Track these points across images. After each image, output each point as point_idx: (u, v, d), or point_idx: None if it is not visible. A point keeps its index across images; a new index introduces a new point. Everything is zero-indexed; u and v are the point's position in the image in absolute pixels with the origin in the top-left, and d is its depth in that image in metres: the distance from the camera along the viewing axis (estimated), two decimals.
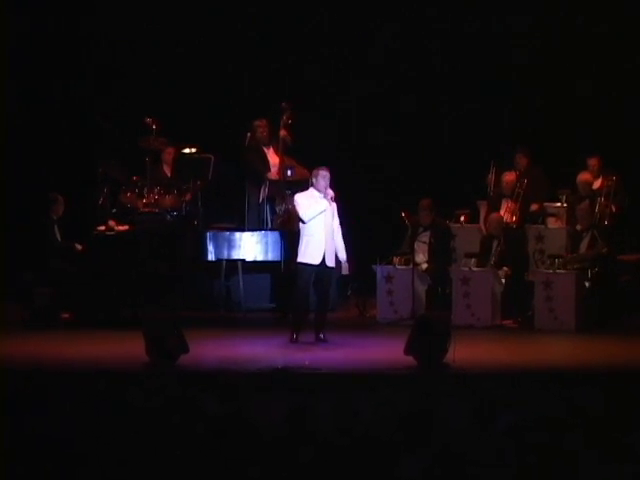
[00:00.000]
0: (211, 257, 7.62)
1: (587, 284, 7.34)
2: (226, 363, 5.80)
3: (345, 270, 6.61)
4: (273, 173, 7.93)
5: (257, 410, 4.16)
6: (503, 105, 8.63)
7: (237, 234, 7.70)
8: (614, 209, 7.62)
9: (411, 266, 7.47)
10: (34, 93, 8.64)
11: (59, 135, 8.65)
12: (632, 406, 4.26)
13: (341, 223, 6.64)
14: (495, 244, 7.59)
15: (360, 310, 8.00)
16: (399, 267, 7.57)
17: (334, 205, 6.59)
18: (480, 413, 3.96)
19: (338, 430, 3.77)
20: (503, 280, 7.47)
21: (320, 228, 6.54)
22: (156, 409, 4.15)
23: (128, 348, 6.09)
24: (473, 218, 8.03)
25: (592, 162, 7.86)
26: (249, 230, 7.78)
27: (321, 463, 3.59)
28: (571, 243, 7.52)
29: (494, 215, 7.72)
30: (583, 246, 7.46)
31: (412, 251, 7.57)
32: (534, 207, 7.94)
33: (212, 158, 7.81)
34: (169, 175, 7.99)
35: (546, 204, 7.95)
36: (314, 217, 6.54)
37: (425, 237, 7.68)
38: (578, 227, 7.52)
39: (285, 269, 7.56)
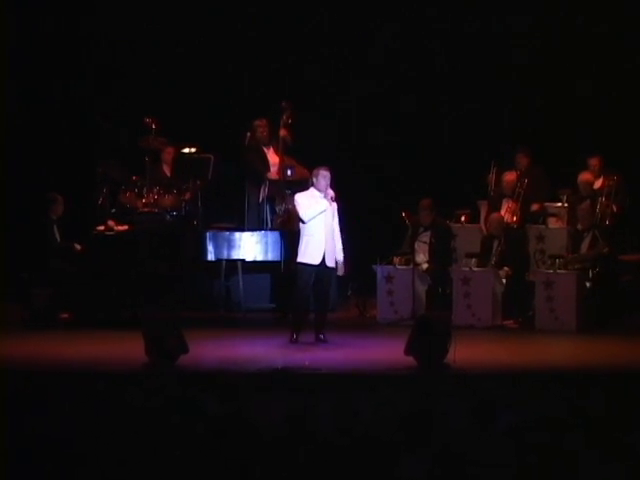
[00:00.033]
0: (211, 257, 7.61)
1: (588, 284, 7.33)
2: (226, 363, 5.79)
3: (340, 271, 6.60)
4: (273, 173, 7.92)
5: (257, 410, 4.15)
6: (503, 105, 8.62)
7: (237, 234, 7.69)
8: (615, 209, 7.61)
9: (411, 266, 7.46)
10: (34, 93, 8.63)
11: (59, 135, 8.64)
12: (633, 406, 4.25)
13: (341, 222, 6.63)
14: (496, 244, 7.57)
15: (360, 310, 8.00)
16: (399, 267, 7.56)
17: (334, 205, 6.58)
18: (480, 413, 3.95)
19: (338, 430, 3.76)
20: (504, 280, 7.46)
21: (320, 228, 6.53)
22: (155, 409, 4.15)
23: (127, 348, 6.08)
24: (474, 218, 8.02)
25: (593, 162, 7.85)
26: (249, 230, 7.77)
27: (321, 463, 3.58)
28: (572, 243, 7.51)
29: (495, 215, 7.71)
30: (584, 246, 7.45)
31: (412, 251, 7.56)
32: (535, 207, 7.93)
33: (212, 158, 7.80)
34: (169, 175, 7.98)
35: (547, 204, 7.94)
36: (314, 217, 6.53)
37: (425, 237, 7.67)
38: (579, 227, 7.51)
39: (285, 269, 7.55)
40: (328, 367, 5.66)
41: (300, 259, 6.59)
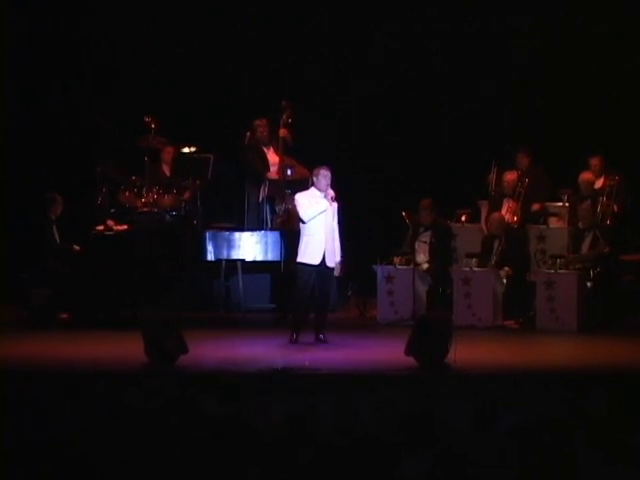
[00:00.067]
0: (210, 257, 7.59)
1: (589, 284, 7.30)
2: (225, 364, 5.77)
3: (337, 271, 6.58)
4: (273, 173, 7.91)
5: (257, 411, 4.14)
6: (503, 105, 8.61)
7: (237, 234, 7.68)
8: (616, 209, 7.59)
9: (412, 266, 7.45)
10: (34, 93, 8.62)
11: (58, 135, 8.62)
12: (635, 407, 4.23)
13: (340, 222, 6.61)
14: (496, 244, 7.56)
15: (360, 310, 7.98)
16: (400, 267, 7.55)
17: (335, 205, 6.56)
18: (481, 414, 3.93)
19: (338, 431, 3.74)
20: (504, 280, 7.44)
21: (320, 228, 6.52)
22: (155, 410, 4.13)
23: (127, 349, 6.07)
24: (474, 218, 8.01)
25: (594, 161, 7.83)
26: (249, 230, 7.76)
27: (321, 464, 3.56)
28: (573, 243, 7.49)
29: (495, 214, 7.69)
30: (585, 246, 7.43)
31: (413, 251, 7.55)
32: (536, 207, 7.91)
33: (211, 157, 7.79)
34: (168, 174, 7.96)
35: (548, 204, 7.92)
36: (314, 217, 6.51)
37: (426, 237, 7.65)
38: (580, 225, 7.49)
39: (285, 269, 7.54)
40: (328, 367, 5.64)
41: (300, 259, 6.57)
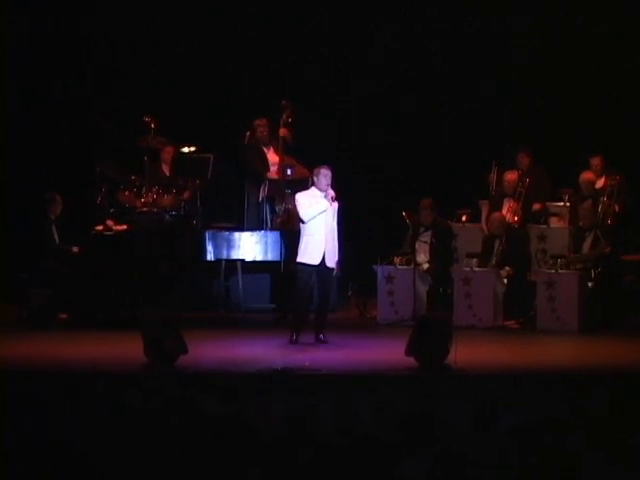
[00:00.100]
0: (210, 257, 7.58)
1: (590, 284, 7.28)
2: (225, 364, 5.76)
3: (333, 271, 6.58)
4: (273, 172, 7.90)
5: (257, 411, 4.13)
6: (503, 105, 8.60)
7: (236, 234, 7.66)
8: (617, 208, 7.57)
9: (412, 266, 7.43)
10: (34, 93, 8.61)
11: (58, 135, 8.62)
12: (636, 407, 4.22)
13: (340, 222, 6.60)
14: (497, 244, 7.54)
15: (361, 311, 7.97)
16: (400, 267, 7.53)
17: (336, 205, 6.55)
18: (482, 414, 3.92)
19: (338, 431, 3.73)
20: (505, 280, 7.42)
21: (320, 228, 6.50)
22: (155, 410, 4.12)
23: (126, 349, 6.06)
24: (475, 218, 7.99)
25: (595, 161, 7.82)
26: (248, 230, 7.75)
27: (321, 464, 3.55)
28: (574, 243, 7.48)
29: (496, 214, 7.68)
30: (586, 246, 7.42)
31: (413, 251, 7.53)
32: (536, 207, 7.90)
33: (211, 157, 7.77)
34: (168, 174, 7.95)
35: (548, 203, 7.91)
36: (314, 217, 6.50)
37: (426, 237, 7.64)
38: (580, 224, 7.47)
39: (285, 269, 7.53)
40: (328, 368, 5.62)
41: (300, 259, 6.56)
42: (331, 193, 6.53)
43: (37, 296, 7.21)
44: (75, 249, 7.50)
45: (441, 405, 4.35)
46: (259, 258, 7.67)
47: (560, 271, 7.19)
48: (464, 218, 7.90)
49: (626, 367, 5.75)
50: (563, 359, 6.38)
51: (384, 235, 8.16)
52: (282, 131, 7.79)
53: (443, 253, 7.63)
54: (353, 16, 8.77)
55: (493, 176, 8.02)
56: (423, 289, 7.51)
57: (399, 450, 3.59)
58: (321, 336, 6.60)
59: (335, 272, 6.60)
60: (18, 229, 7.76)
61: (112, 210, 7.63)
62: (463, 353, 5.62)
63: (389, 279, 7.53)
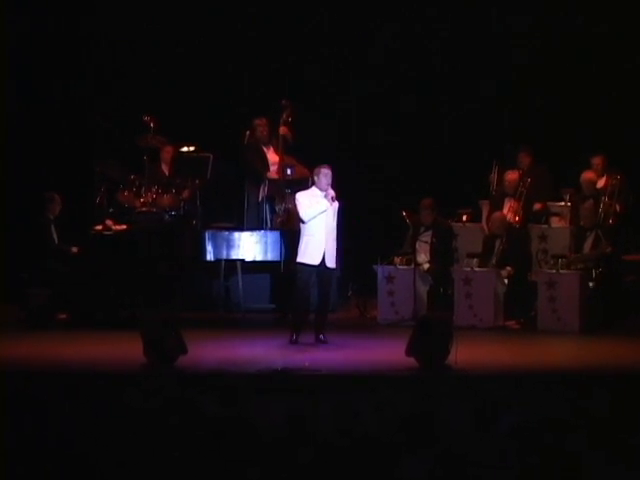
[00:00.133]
0: (210, 257, 7.57)
1: (591, 284, 7.27)
2: (225, 364, 5.75)
3: None
4: (273, 172, 7.89)
5: (257, 412, 4.12)
6: (503, 105, 8.60)
7: (236, 234, 7.65)
8: (618, 208, 7.56)
9: (412, 266, 7.42)
10: (34, 93, 8.61)
11: (57, 135, 8.61)
12: (637, 407, 4.21)
13: (340, 222, 6.59)
14: (497, 243, 7.53)
15: (361, 311, 7.95)
16: (400, 267, 7.52)
17: (336, 204, 6.53)
18: (482, 414, 3.92)
19: (338, 432, 3.73)
20: (506, 280, 7.41)
21: (321, 228, 6.49)
22: (154, 411, 4.11)
23: (126, 349, 6.05)
24: (475, 217, 7.98)
25: (596, 161, 7.81)
26: (248, 230, 7.74)
27: (321, 465, 3.55)
28: (575, 243, 7.46)
29: (497, 214, 7.66)
30: (587, 246, 7.41)
31: (413, 251, 7.52)
32: (537, 206, 7.88)
33: (211, 157, 7.76)
34: (167, 174, 7.94)
35: (549, 203, 7.89)
36: (314, 217, 6.49)
37: (427, 237, 7.63)
38: (581, 223, 7.45)
39: (285, 269, 7.51)
40: (328, 368, 5.62)
41: (300, 259, 6.55)
42: (331, 193, 6.51)
43: (36, 296, 7.20)
44: (74, 249, 7.49)
45: (441, 405, 4.35)
46: (259, 258, 7.66)
47: (561, 271, 7.17)
48: (465, 218, 7.88)
49: (627, 367, 5.74)
50: (564, 359, 6.38)
51: (384, 235, 8.15)
52: (282, 129, 7.78)
53: (443, 253, 7.61)
54: (353, 16, 8.77)
55: (494, 176, 8.01)
56: (423, 289, 7.50)
57: (399, 450, 3.59)
58: (321, 336, 6.59)
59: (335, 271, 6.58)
60: (17, 229, 7.75)
61: (111, 210, 7.62)
62: (463, 353, 5.62)
63: (389, 279, 7.51)
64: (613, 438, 3.74)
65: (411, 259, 7.49)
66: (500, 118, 8.58)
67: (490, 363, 5.88)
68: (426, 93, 8.71)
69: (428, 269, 7.60)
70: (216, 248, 7.58)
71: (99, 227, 7.56)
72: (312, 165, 6.86)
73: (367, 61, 8.80)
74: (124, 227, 7.57)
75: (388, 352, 6.11)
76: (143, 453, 3.70)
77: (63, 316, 7.37)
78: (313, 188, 6.60)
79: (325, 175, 6.51)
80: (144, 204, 7.60)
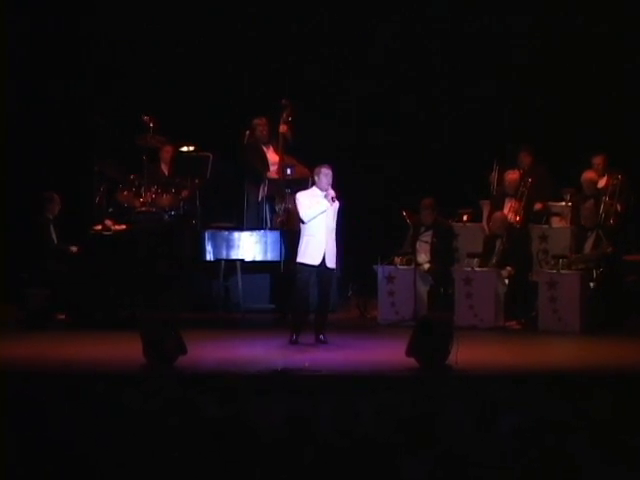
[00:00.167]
0: (209, 257, 7.56)
1: (592, 285, 7.25)
2: (225, 365, 5.73)
3: None
4: (273, 172, 7.88)
5: (256, 412, 4.11)
6: (503, 105, 8.59)
7: (236, 234, 7.64)
8: (619, 208, 7.54)
9: (413, 266, 7.41)
10: (34, 93, 8.60)
11: (57, 134, 8.60)
12: (638, 409, 4.19)
13: (340, 222, 6.57)
14: (498, 243, 7.52)
15: (361, 311, 7.94)
16: (400, 267, 7.51)
17: (336, 204, 6.52)
18: (483, 415, 3.90)
19: (338, 432, 3.71)
20: (506, 280, 7.39)
21: (321, 228, 6.48)
22: (154, 411, 4.10)
23: (125, 349, 6.03)
24: (476, 217, 7.97)
25: (597, 160, 7.79)
26: (248, 229, 7.72)
27: (321, 465, 3.53)
28: (575, 243, 7.45)
29: (498, 213, 7.64)
30: (588, 246, 7.39)
31: (414, 251, 7.51)
32: (538, 206, 7.86)
33: (210, 156, 7.75)
34: (167, 174, 7.93)
35: (550, 203, 7.87)
36: (314, 217, 6.48)
37: (427, 237, 7.62)
38: (582, 223, 7.44)
39: (285, 269, 7.50)
40: (328, 368, 5.60)
41: (300, 259, 6.53)
42: (331, 193, 6.50)
43: (34, 296, 7.19)
44: (74, 249, 7.47)
45: (442, 406, 4.33)
46: (259, 258, 7.64)
47: (562, 271, 7.15)
48: (465, 218, 7.87)
49: (628, 368, 5.72)
50: (565, 360, 6.35)
51: (384, 235, 8.14)
52: (282, 128, 7.77)
53: (444, 253, 7.60)
54: (353, 16, 8.76)
55: (494, 175, 8.00)
56: (424, 289, 7.48)
57: (400, 451, 3.57)
58: (321, 337, 6.57)
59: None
60: (17, 229, 7.73)
61: (111, 210, 7.61)
62: (464, 354, 5.60)
63: (390, 279, 7.50)
64: (614, 439, 3.72)
65: (411, 259, 7.47)
66: (500, 118, 8.57)
67: (491, 363, 5.86)
68: (426, 93, 8.70)
69: (428, 269, 7.58)
70: (216, 248, 7.56)
71: (98, 227, 7.55)
72: (312, 165, 6.85)
73: (367, 61, 8.79)
74: (123, 227, 7.56)
75: (388, 352, 6.09)
76: (143, 454, 3.69)
77: (62, 316, 7.35)
78: (313, 188, 6.59)
79: (325, 175, 6.50)
80: (143, 204, 7.58)
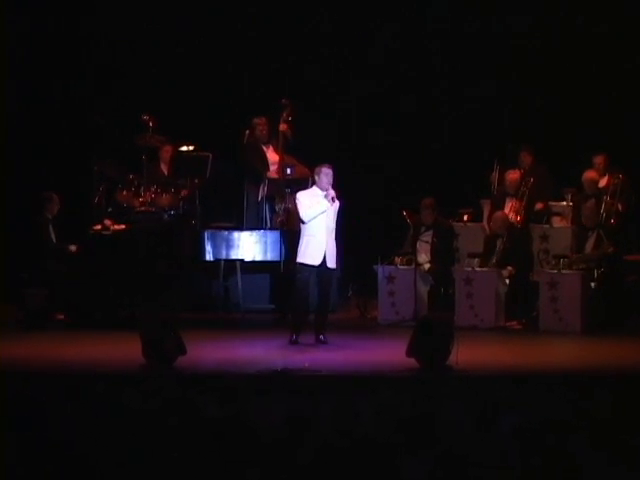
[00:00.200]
0: (209, 257, 7.55)
1: (593, 285, 7.25)
2: (225, 365, 5.73)
3: None
4: (273, 172, 7.87)
5: (256, 412, 4.10)
6: (503, 105, 8.59)
7: (235, 233, 7.64)
8: (620, 208, 7.54)
9: (413, 266, 7.40)
10: (34, 93, 8.59)
11: (56, 134, 8.60)
12: (639, 408, 4.19)
13: (340, 222, 6.56)
14: (499, 243, 7.51)
15: (361, 311, 7.94)
16: (401, 267, 7.50)
17: (337, 204, 6.51)
18: (483, 415, 3.90)
19: (338, 432, 3.71)
20: (507, 280, 7.38)
21: (321, 228, 6.47)
22: (153, 411, 4.09)
23: (125, 350, 6.03)
24: (476, 217, 7.97)
25: (598, 160, 7.79)
26: (248, 229, 7.72)
27: (321, 466, 3.53)
28: (576, 243, 7.44)
29: (499, 213, 7.63)
30: (589, 246, 7.38)
31: (414, 251, 7.51)
32: (539, 206, 7.86)
33: (210, 156, 7.75)
34: (166, 173, 7.92)
35: (551, 203, 7.87)
36: (314, 217, 6.47)
37: (427, 237, 7.61)
38: (583, 223, 7.43)
39: (284, 269, 7.49)
40: (328, 369, 5.59)
41: (300, 259, 6.53)
42: (332, 193, 6.49)
43: (33, 296, 7.18)
44: (73, 249, 7.47)
45: (442, 406, 4.33)
46: (258, 258, 7.64)
47: (563, 271, 7.14)
48: (466, 218, 7.86)
49: (629, 368, 5.72)
50: (565, 360, 6.34)
51: (384, 235, 8.14)
52: (282, 126, 7.76)
53: (444, 253, 7.59)
54: (353, 16, 8.76)
55: (495, 175, 7.99)
56: (424, 289, 7.47)
57: (400, 451, 3.57)
58: (321, 337, 6.56)
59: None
60: (16, 229, 7.73)
61: (110, 209, 7.60)
62: (464, 354, 5.59)
63: (390, 279, 7.49)
64: (614, 439, 3.72)
65: (412, 259, 7.47)
66: (500, 118, 8.56)
67: (491, 364, 5.86)
68: (426, 93, 8.70)
69: (429, 269, 7.57)
70: (215, 248, 7.56)
71: (98, 227, 7.54)
72: (312, 165, 6.84)
73: (367, 61, 8.79)
74: (123, 227, 7.55)
75: (389, 353, 6.09)
76: (142, 454, 3.68)
77: (61, 316, 7.35)
78: (314, 188, 6.58)
79: (326, 174, 6.49)
80: (143, 204, 7.58)
